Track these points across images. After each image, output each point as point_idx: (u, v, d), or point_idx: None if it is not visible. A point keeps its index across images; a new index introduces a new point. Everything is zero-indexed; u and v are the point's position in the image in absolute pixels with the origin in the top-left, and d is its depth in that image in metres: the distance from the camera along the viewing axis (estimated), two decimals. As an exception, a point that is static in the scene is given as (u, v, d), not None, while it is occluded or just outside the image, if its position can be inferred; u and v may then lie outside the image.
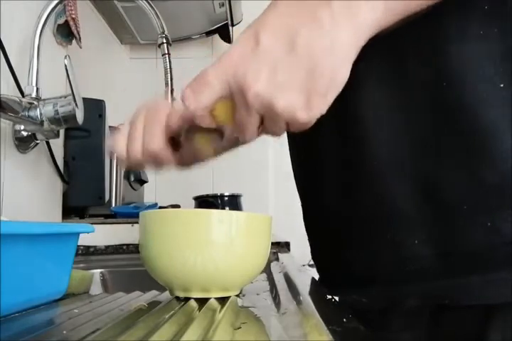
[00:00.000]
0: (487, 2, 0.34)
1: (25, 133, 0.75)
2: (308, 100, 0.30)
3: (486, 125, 0.34)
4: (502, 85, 0.34)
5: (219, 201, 1.45)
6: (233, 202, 1.48)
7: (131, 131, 0.39)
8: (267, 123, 0.33)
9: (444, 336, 0.40)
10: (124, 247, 0.89)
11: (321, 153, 0.45)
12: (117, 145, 0.40)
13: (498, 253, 0.35)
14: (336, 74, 0.30)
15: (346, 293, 0.45)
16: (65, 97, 0.70)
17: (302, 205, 0.52)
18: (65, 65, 0.65)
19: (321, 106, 0.31)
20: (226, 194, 1.46)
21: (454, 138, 0.36)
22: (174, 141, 0.39)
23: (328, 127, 0.42)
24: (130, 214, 1.01)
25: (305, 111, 0.31)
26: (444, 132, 0.36)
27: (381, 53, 0.37)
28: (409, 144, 0.37)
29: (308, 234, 0.52)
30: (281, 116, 0.31)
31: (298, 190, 0.52)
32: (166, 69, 0.73)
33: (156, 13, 0.75)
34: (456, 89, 0.35)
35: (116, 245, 0.88)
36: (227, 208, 1.37)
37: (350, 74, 0.31)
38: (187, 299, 0.37)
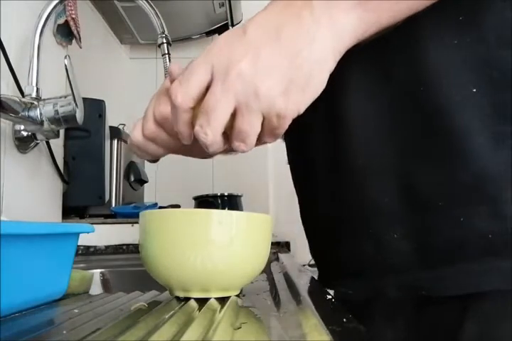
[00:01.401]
0: (461, 13, 0.36)
1: (25, 133, 0.75)
2: (287, 89, 0.31)
3: (459, 127, 0.36)
4: (474, 90, 0.36)
5: (219, 201, 1.45)
6: (233, 202, 1.48)
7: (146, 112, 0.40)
8: (242, 111, 0.32)
9: (422, 329, 0.41)
10: (124, 247, 0.89)
11: (312, 154, 0.47)
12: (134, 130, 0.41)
13: (471, 246, 0.37)
14: (314, 70, 0.31)
15: (337, 286, 0.48)
16: (65, 97, 0.70)
17: (299, 204, 0.54)
18: (65, 65, 0.65)
19: (298, 99, 0.32)
20: (226, 194, 1.46)
21: (430, 140, 0.38)
22: None
23: (318, 128, 0.45)
24: (130, 214, 1.01)
25: (283, 99, 0.31)
26: (422, 134, 0.38)
27: (365, 60, 0.38)
28: (389, 145, 0.40)
29: (305, 233, 0.54)
30: (259, 101, 0.31)
31: (295, 190, 0.54)
32: (166, 69, 0.73)
33: (156, 13, 0.75)
34: (433, 93, 0.37)
35: (116, 245, 0.89)
36: (227, 208, 1.37)
37: (339, 77, 0.32)
38: (187, 299, 0.37)
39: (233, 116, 0.33)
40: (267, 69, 0.31)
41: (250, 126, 0.33)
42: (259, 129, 0.33)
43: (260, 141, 0.35)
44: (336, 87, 0.33)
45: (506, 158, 0.35)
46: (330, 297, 0.38)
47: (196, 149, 0.41)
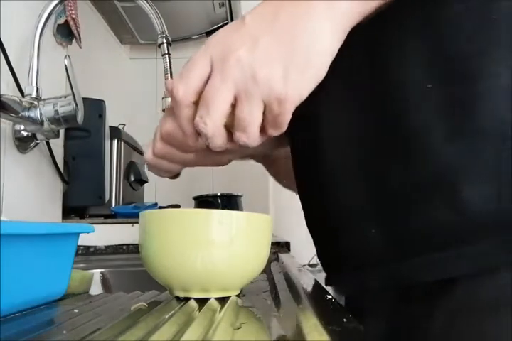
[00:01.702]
0: (416, 13, 0.38)
1: (25, 133, 0.75)
2: (286, 72, 0.31)
3: (417, 124, 0.38)
4: (430, 86, 0.37)
5: (219, 201, 1.45)
6: (233, 202, 1.48)
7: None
8: (242, 98, 0.32)
9: (403, 321, 0.43)
10: (124, 247, 0.89)
11: (297, 152, 0.50)
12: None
13: (435, 236, 0.39)
14: (313, 51, 0.31)
15: (330, 283, 0.51)
16: (65, 97, 0.70)
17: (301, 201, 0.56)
18: (65, 65, 0.65)
19: (298, 82, 0.31)
20: (226, 194, 1.46)
21: (393, 139, 0.39)
22: None
23: (300, 127, 0.46)
24: (130, 214, 1.01)
25: (282, 83, 0.31)
26: (386, 134, 0.40)
27: (335, 62, 0.38)
28: (357, 145, 0.42)
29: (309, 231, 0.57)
30: (258, 87, 0.31)
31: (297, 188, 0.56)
32: (166, 69, 0.73)
33: (156, 13, 0.75)
34: (393, 93, 0.39)
35: (116, 245, 0.89)
36: (227, 208, 1.37)
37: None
38: (187, 299, 0.37)
39: (234, 107, 0.33)
40: (264, 55, 0.31)
41: (250, 113, 0.32)
42: (260, 118, 0.33)
43: (265, 133, 0.35)
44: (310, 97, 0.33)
45: (460, 150, 0.37)
46: (330, 297, 0.38)
47: (209, 157, 0.43)
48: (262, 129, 0.34)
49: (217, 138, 0.34)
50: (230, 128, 0.34)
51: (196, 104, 0.34)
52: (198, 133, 0.36)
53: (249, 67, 0.31)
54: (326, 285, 0.51)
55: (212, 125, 0.33)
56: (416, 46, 0.38)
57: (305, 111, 0.35)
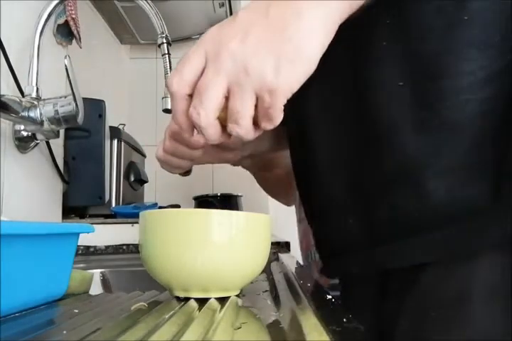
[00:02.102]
0: (388, 17, 0.40)
1: (25, 133, 0.75)
2: (277, 63, 0.31)
3: (386, 119, 0.40)
4: (401, 83, 0.39)
5: (219, 201, 1.45)
6: (233, 202, 1.48)
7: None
8: (234, 90, 0.32)
9: (384, 313, 0.46)
10: (124, 247, 0.89)
11: (292, 153, 0.55)
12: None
13: (400, 224, 0.41)
14: (303, 43, 0.31)
15: (322, 270, 0.56)
16: (65, 97, 0.70)
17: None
18: (65, 65, 0.65)
19: (290, 73, 0.31)
20: (226, 194, 1.46)
21: (364, 135, 0.43)
22: None
23: (293, 132, 0.51)
24: (130, 214, 1.01)
25: (273, 74, 0.31)
26: (358, 131, 0.43)
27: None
28: (337, 143, 0.46)
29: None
30: (250, 78, 0.31)
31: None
32: (166, 69, 0.73)
33: (156, 13, 0.75)
34: (366, 90, 0.42)
35: (116, 245, 0.88)
36: (226, 208, 1.37)
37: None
38: (187, 299, 0.37)
39: (228, 99, 0.33)
40: (255, 46, 0.31)
41: (243, 105, 0.32)
42: (252, 109, 0.33)
43: (258, 126, 0.35)
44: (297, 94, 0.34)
45: (426, 140, 0.39)
46: (330, 297, 0.38)
47: (214, 154, 0.45)
48: (256, 123, 0.35)
49: (211, 130, 0.34)
50: (224, 122, 0.35)
51: (191, 97, 0.34)
52: (194, 127, 0.36)
53: (241, 59, 0.31)
54: (320, 273, 0.56)
55: (205, 115, 0.33)
56: (388, 45, 0.40)
57: (295, 111, 0.36)
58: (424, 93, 0.39)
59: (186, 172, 0.50)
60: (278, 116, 0.34)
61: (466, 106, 0.37)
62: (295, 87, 0.32)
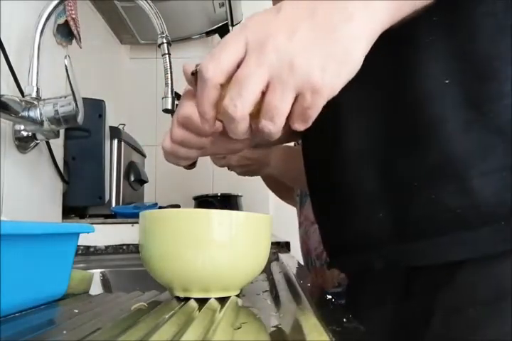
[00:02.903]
0: (434, 14, 0.39)
1: (25, 133, 0.75)
2: (325, 63, 0.30)
3: (432, 115, 0.40)
4: (447, 81, 0.39)
5: (219, 201, 1.45)
6: (233, 202, 1.48)
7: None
8: (275, 85, 0.31)
9: (403, 315, 0.45)
10: (124, 247, 0.89)
11: (314, 142, 0.53)
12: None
13: (440, 220, 0.40)
14: (351, 46, 0.31)
15: (332, 265, 0.54)
16: (65, 97, 0.70)
17: (309, 189, 0.58)
18: (65, 65, 0.65)
19: (335, 75, 0.31)
20: (226, 194, 1.46)
21: (405, 129, 0.42)
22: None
23: (318, 121, 0.47)
24: (130, 214, 1.01)
25: (319, 73, 0.30)
26: (398, 124, 0.42)
27: None
28: (371, 135, 0.44)
29: (315, 218, 0.59)
30: (294, 75, 0.30)
31: (305, 176, 0.58)
32: (166, 69, 0.73)
33: (156, 13, 0.75)
34: (409, 85, 0.41)
35: (116, 245, 0.88)
36: (226, 208, 1.37)
37: None
38: (187, 299, 0.37)
39: (263, 94, 0.32)
40: (303, 43, 0.30)
41: (282, 101, 0.31)
42: (289, 107, 0.32)
43: (289, 125, 0.34)
44: None
45: (472, 140, 0.39)
46: (330, 297, 0.38)
47: (223, 144, 0.44)
48: (288, 121, 0.33)
49: (242, 124, 0.33)
50: (252, 117, 0.33)
51: (222, 87, 0.33)
52: (216, 119, 0.35)
53: (287, 54, 0.30)
54: (329, 268, 0.55)
55: (242, 108, 0.31)
56: (434, 41, 0.39)
57: (329, 103, 0.34)
58: (471, 94, 0.38)
59: (192, 165, 0.48)
60: (313, 117, 0.33)
61: (511, 111, 0.37)
62: (337, 89, 0.32)
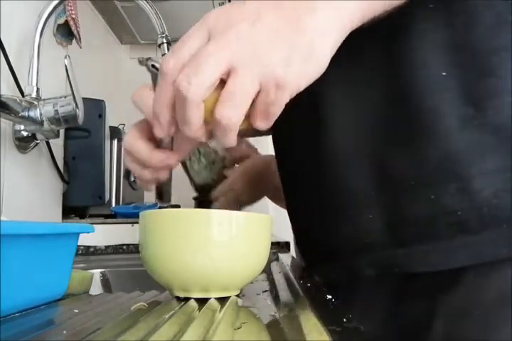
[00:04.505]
0: (432, 1, 0.37)
1: (25, 133, 0.75)
2: (289, 56, 0.29)
3: (428, 109, 0.37)
4: (444, 74, 0.37)
5: (219, 201, 1.44)
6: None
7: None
8: (237, 71, 0.29)
9: (400, 309, 0.42)
10: (124, 247, 0.89)
11: (294, 140, 0.48)
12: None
13: (440, 222, 0.38)
14: (317, 39, 0.29)
15: (320, 271, 0.49)
16: (65, 97, 0.70)
17: (284, 192, 0.54)
18: (65, 65, 0.65)
19: (300, 70, 0.29)
20: (226, 194, 1.46)
21: (401, 122, 0.39)
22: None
23: (299, 116, 0.45)
24: (130, 214, 1.01)
25: (283, 66, 0.28)
26: (392, 118, 0.39)
27: (340, 47, 0.36)
28: (363, 131, 0.41)
29: (291, 222, 0.55)
30: (258, 64, 0.28)
31: (281, 181, 0.54)
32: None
33: (156, 13, 0.75)
34: (405, 78, 0.38)
35: (116, 245, 0.88)
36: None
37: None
38: (187, 299, 0.37)
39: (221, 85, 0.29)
40: (268, 32, 0.29)
41: (243, 87, 0.28)
42: (251, 96, 0.29)
43: (251, 123, 0.31)
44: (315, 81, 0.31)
45: (472, 137, 0.37)
46: (330, 297, 0.38)
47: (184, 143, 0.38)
48: (249, 119, 0.31)
49: (195, 109, 0.29)
50: (208, 117, 0.31)
51: None
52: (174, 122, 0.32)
53: (251, 41, 0.28)
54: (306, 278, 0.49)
55: (196, 87, 0.28)
56: (429, 30, 0.37)
57: (309, 93, 0.32)
58: (470, 89, 0.37)
59: (161, 195, 0.46)
60: (276, 115, 0.31)
61: (511, 109, 0.36)
62: (302, 86, 0.30)
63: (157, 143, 0.37)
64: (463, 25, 0.37)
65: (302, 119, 0.45)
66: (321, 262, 0.49)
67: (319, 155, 0.44)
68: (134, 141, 0.36)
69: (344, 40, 0.32)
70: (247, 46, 0.28)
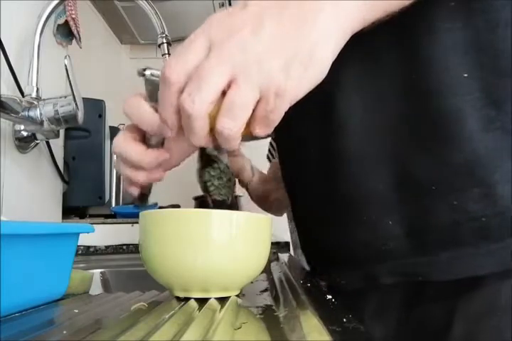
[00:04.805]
0: (462, 8, 0.36)
1: (25, 133, 0.75)
2: (288, 66, 0.29)
3: (450, 111, 0.36)
4: (466, 75, 0.36)
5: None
6: (233, 202, 1.47)
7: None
8: (239, 81, 0.29)
9: (413, 319, 0.42)
10: (124, 247, 0.89)
11: (305, 143, 0.46)
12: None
13: (464, 229, 0.37)
14: (317, 46, 0.29)
15: (330, 276, 0.48)
16: (65, 97, 0.70)
17: (289, 197, 0.53)
18: (65, 65, 0.65)
19: (298, 79, 0.29)
20: (226, 194, 1.46)
21: (422, 125, 0.38)
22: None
23: (310, 120, 0.44)
24: (130, 214, 1.01)
25: (282, 76, 0.28)
26: (413, 120, 0.38)
27: (356, 49, 0.36)
28: (382, 132, 0.40)
29: (296, 224, 0.54)
30: (259, 73, 0.28)
31: (284, 182, 0.53)
32: (166, 69, 0.73)
33: (156, 13, 0.75)
34: (425, 79, 0.37)
35: (116, 245, 0.88)
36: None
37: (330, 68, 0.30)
38: (187, 299, 0.37)
39: (224, 95, 0.30)
40: (269, 39, 0.29)
41: (243, 98, 0.29)
42: (251, 106, 0.30)
43: (250, 130, 0.32)
44: (327, 77, 0.31)
45: (494, 140, 0.36)
46: (330, 297, 0.38)
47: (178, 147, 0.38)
48: (248, 126, 0.31)
49: (199, 122, 0.30)
50: (212, 125, 0.31)
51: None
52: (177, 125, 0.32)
53: (252, 51, 0.28)
54: (315, 277, 0.49)
55: (200, 104, 0.29)
56: (450, 29, 0.36)
57: (322, 94, 0.32)
58: (491, 90, 0.36)
59: (143, 197, 0.46)
60: (276, 123, 0.31)
61: None
62: (300, 94, 0.30)
63: (145, 146, 0.38)
64: (484, 25, 0.36)
65: (314, 120, 0.44)
66: (332, 267, 0.48)
67: (332, 157, 0.43)
68: (124, 144, 0.36)
69: (361, 41, 0.32)
70: (248, 56, 0.29)
